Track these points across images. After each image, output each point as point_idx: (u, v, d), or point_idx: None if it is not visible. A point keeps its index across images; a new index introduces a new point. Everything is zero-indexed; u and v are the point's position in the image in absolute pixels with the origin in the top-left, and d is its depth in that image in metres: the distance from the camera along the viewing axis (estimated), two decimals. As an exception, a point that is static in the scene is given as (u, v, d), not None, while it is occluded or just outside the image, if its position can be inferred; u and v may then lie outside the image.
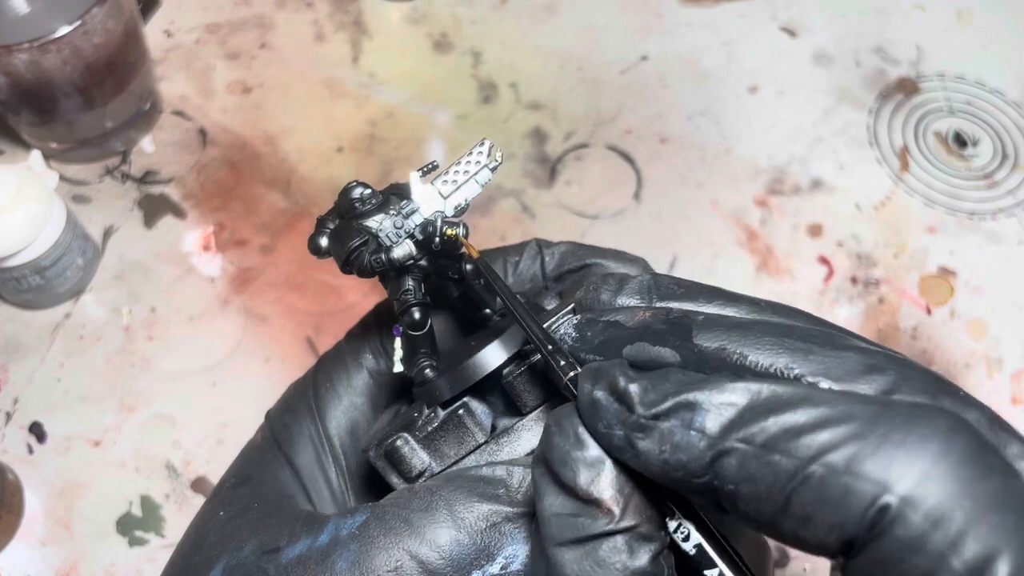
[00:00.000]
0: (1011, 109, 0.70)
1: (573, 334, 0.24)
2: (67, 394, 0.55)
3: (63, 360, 0.57)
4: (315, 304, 0.59)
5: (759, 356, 0.20)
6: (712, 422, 0.19)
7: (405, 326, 0.29)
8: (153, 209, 0.63)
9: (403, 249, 0.29)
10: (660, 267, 0.62)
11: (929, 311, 0.61)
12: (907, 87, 0.71)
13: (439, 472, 0.29)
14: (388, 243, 0.29)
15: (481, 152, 0.29)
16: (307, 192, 0.64)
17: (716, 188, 0.65)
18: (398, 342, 0.30)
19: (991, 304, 0.61)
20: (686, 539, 0.21)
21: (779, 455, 0.18)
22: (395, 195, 0.30)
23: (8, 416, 0.55)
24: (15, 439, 0.54)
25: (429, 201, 0.29)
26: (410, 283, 0.29)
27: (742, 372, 0.20)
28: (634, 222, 0.64)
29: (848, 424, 0.17)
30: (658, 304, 0.24)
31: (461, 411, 0.28)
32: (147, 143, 0.66)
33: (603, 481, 0.20)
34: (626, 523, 0.20)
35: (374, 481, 0.30)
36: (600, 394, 0.20)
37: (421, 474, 0.29)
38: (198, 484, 0.53)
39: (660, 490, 0.21)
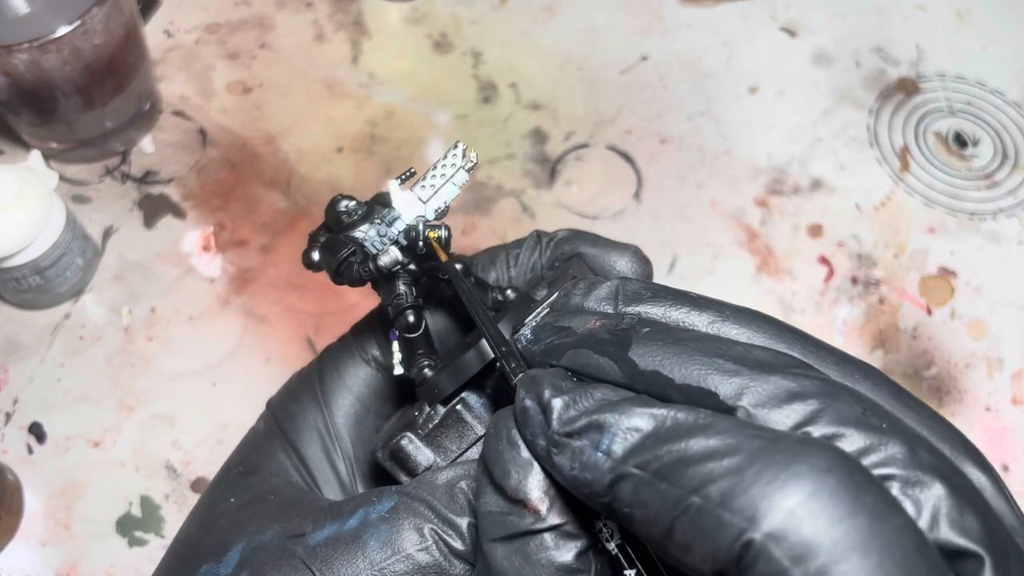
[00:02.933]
0: (1011, 109, 0.70)
1: (529, 336, 0.25)
2: (67, 394, 0.55)
3: (63, 360, 0.57)
4: (315, 304, 0.59)
5: (685, 375, 0.21)
6: (618, 446, 0.19)
7: (400, 329, 0.30)
8: (153, 209, 0.63)
9: (389, 256, 0.30)
10: (660, 267, 0.62)
11: (929, 311, 0.61)
12: (907, 87, 0.71)
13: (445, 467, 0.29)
14: (374, 251, 0.29)
15: (456, 155, 0.30)
16: (307, 192, 0.64)
17: (716, 188, 0.65)
18: (395, 345, 0.31)
19: (991, 304, 0.61)
20: (610, 538, 0.22)
21: (667, 484, 0.18)
22: (379, 204, 0.31)
23: (8, 416, 0.55)
24: (15, 439, 0.54)
25: (409, 207, 0.30)
26: (402, 287, 0.30)
27: (667, 389, 0.21)
28: (634, 222, 0.64)
29: (732, 457, 0.18)
30: (624, 308, 0.24)
31: (459, 407, 0.29)
32: (147, 143, 0.66)
33: (530, 482, 0.21)
34: (551, 522, 0.21)
35: (384, 474, 0.31)
36: (530, 404, 0.21)
37: (428, 470, 0.29)
38: (198, 484, 0.53)
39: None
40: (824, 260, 0.63)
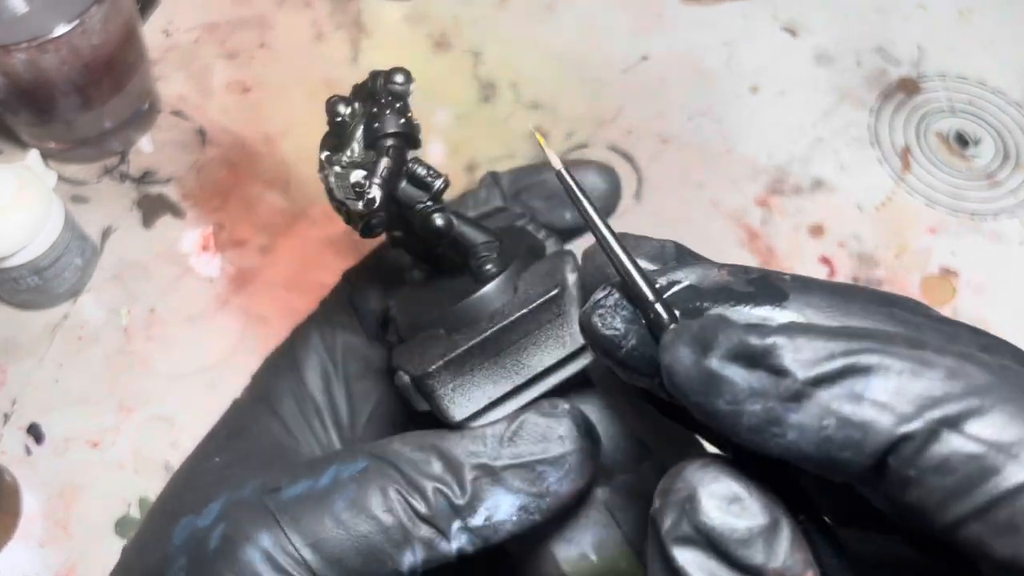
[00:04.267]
0: (1013, 109, 0.70)
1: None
2: (65, 395, 0.55)
3: (61, 361, 0.56)
4: (315, 304, 0.59)
5: (873, 328, 0.17)
6: (900, 395, 0.15)
7: (432, 235, 0.28)
8: (152, 209, 0.63)
9: (373, 195, 0.27)
10: (661, 267, 0.62)
11: (931, 312, 0.61)
12: (908, 87, 0.71)
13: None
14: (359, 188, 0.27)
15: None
16: (306, 192, 0.64)
17: (717, 188, 0.65)
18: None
19: (993, 304, 0.61)
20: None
21: (995, 450, 0.15)
22: (375, 105, 0.27)
23: (6, 417, 0.55)
24: (13, 440, 0.54)
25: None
26: (412, 191, 0.28)
27: None
28: (634, 222, 0.64)
29: None
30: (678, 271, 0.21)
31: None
32: (145, 143, 0.65)
33: (781, 546, 0.17)
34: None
35: (354, 425, 0.32)
36: (716, 363, 0.17)
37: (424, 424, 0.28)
38: (197, 485, 0.53)
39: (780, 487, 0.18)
40: (825, 260, 0.63)
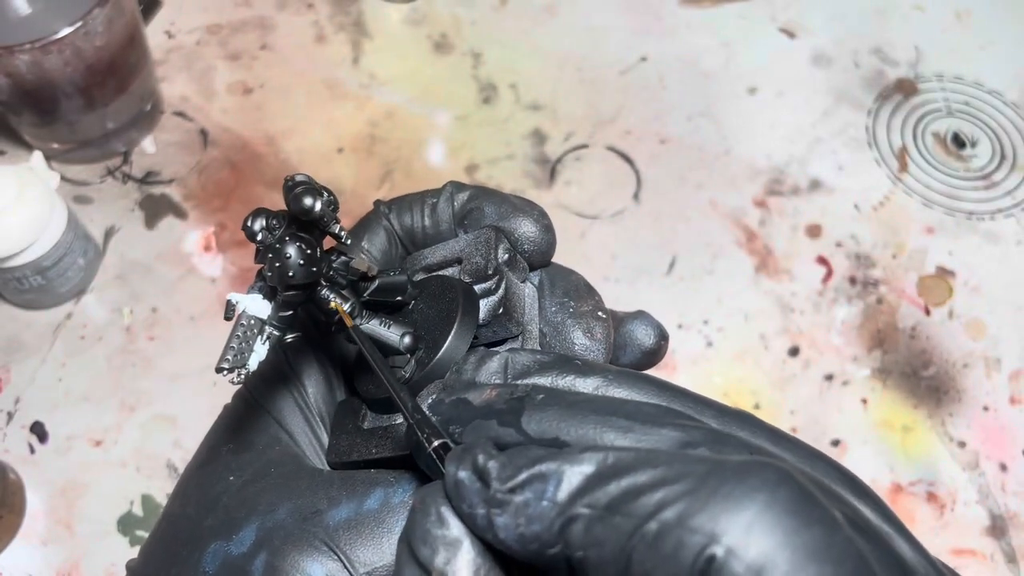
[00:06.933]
0: (1009, 110, 0.70)
1: (426, 412, 0.24)
2: (68, 394, 0.56)
3: (64, 360, 0.57)
4: (316, 304, 0.59)
5: (581, 436, 0.21)
6: (562, 491, 0.19)
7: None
8: (154, 210, 0.63)
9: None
10: (659, 268, 0.62)
11: (928, 311, 0.61)
12: (906, 88, 0.71)
13: None
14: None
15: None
16: (308, 193, 0.64)
17: (715, 189, 0.66)
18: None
19: (990, 304, 0.61)
20: None
21: (620, 516, 0.18)
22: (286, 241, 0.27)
23: (10, 416, 0.55)
24: (17, 439, 0.54)
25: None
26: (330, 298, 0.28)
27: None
28: (633, 222, 0.64)
29: (683, 481, 0.18)
30: (513, 381, 0.24)
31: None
32: (148, 144, 0.66)
33: (459, 561, 0.21)
34: None
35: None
36: (464, 474, 0.21)
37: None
38: (199, 484, 0.53)
39: (528, 573, 0.21)
40: (823, 260, 0.63)
